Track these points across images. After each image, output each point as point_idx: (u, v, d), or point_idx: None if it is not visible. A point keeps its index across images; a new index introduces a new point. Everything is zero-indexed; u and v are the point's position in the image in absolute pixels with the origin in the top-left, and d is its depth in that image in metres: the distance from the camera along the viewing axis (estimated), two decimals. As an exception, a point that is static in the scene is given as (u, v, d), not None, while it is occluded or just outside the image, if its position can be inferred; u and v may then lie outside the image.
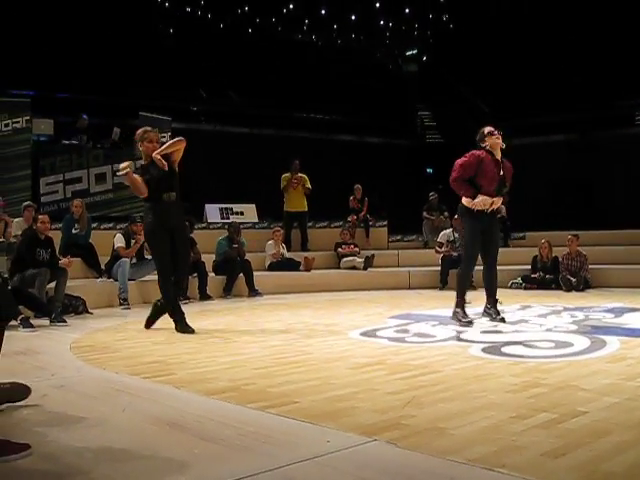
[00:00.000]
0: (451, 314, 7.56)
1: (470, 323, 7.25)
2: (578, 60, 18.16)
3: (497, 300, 7.72)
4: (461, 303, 7.50)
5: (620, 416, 3.50)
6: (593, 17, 18.16)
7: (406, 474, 2.73)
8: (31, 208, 10.81)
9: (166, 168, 6.96)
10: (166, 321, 7.81)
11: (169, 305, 7.24)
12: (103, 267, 10.63)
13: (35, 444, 3.06)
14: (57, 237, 10.37)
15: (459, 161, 7.36)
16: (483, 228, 7.48)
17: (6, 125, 13.09)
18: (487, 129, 7.48)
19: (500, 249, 14.48)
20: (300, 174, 14.33)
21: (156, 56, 17.50)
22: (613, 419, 3.44)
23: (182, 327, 7.07)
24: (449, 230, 13.19)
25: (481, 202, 7.35)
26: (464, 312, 7.46)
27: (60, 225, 11.09)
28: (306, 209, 14.40)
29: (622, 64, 17.48)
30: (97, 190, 13.68)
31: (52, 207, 12.84)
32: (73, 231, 11.04)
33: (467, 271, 7.75)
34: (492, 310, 7.67)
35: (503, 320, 7.46)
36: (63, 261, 8.68)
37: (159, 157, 6.97)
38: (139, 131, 7.33)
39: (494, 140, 7.38)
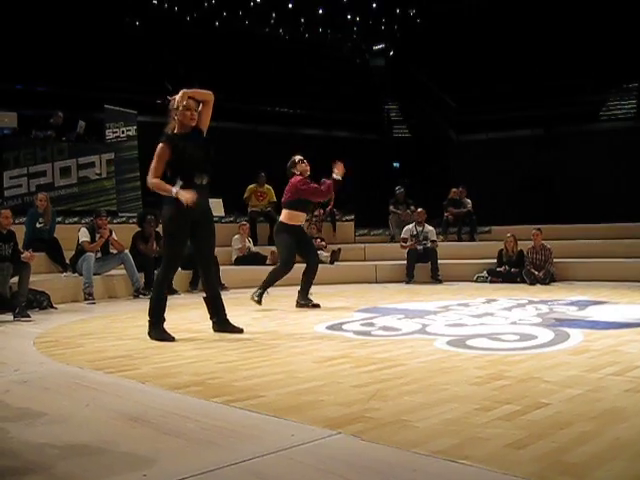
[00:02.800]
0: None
1: (259, 303, 8.63)
2: (544, 56, 18.30)
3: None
4: (265, 289, 8.75)
5: (582, 407, 3.54)
6: (558, 13, 18.32)
7: (370, 467, 2.73)
8: (-6, 203, 10.68)
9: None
10: (132, 316, 7.79)
11: (159, 303, 6.29)
12: (68, 262, 10.52)
13: (-4, 440, 3.03)
14: (21, 231, 10.26)
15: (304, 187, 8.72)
16: (297, 238, 8.76)
17: (-32, 119, 12.94)
18: (297, 157, 8.97)
19: (466, 243, 14.87)
20: (266, 186, 14.48)
21: (122, 49, 17.32)
22: (575, 410, 3.47)
23: (156, 334, 6.13)
24: (411, 225, 13.26)
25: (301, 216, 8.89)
26: (263, 294, 8.71)
27: (24, 219, 10.96)
28: (270, 209, 14.53)
29: (587, 61, 17.66)
30: (62, 184, 13.49)
31: (16, 201, 12.64)
32: (37, 225, 10.92)
33: (285, 272, 8.79)
34: (306, 300, 8.82)
35: (319, 306, 8.74)
36: (25, 255, 8.51)
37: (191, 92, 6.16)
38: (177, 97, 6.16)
39: (304, 167, 8.85)
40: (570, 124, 17.33)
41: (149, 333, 6.18)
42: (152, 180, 6.15)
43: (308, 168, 8.87)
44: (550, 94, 17.79)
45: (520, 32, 18.80)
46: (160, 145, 6.16)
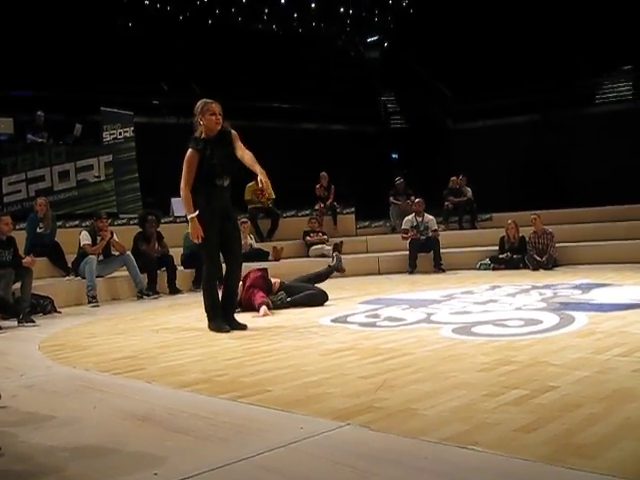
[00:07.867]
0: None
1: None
2: (538, 41, 18.24)
3: None
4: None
5: (590, 389, 3.53)
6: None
7: (380, 456, 2.72)
8: (-6, 209, 10.65)
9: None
10: (136, 317, 7.79)
11: (211, 300, 6.63)
12: (70, 265, 10.52)
13: (6, 445, 3.03)
14: (22, 237, 10.25)
15: None
16: None
17: (-36, 126, 12.91)
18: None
19: (467, 231, 14.88)
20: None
21: (116, 50, 17.28)
22: (583, 392, 3.47)
23: (214, 325, 6.50)
24: (411, 216, 13.24)
25: None
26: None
27: (24, 225, 10.94)
28: (271, 205, 14.49)
29: (581, 44, 17.61)
30: (61, 188, 13.47)
31: (16, 207, 12.62)
32: (38, 230, 10.88)
33: None
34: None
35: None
36: (26, 260, 8.48)
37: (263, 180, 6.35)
38: (198, 103, 6.39)
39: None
40: (566, 108, 17.29)
41: (208, 326, 6.54)
42: (185, 191, 6.41)
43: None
44: (545, 79, 17.75)
45: (514, 18, 18.74)
46: (189, 151, 6.42)
